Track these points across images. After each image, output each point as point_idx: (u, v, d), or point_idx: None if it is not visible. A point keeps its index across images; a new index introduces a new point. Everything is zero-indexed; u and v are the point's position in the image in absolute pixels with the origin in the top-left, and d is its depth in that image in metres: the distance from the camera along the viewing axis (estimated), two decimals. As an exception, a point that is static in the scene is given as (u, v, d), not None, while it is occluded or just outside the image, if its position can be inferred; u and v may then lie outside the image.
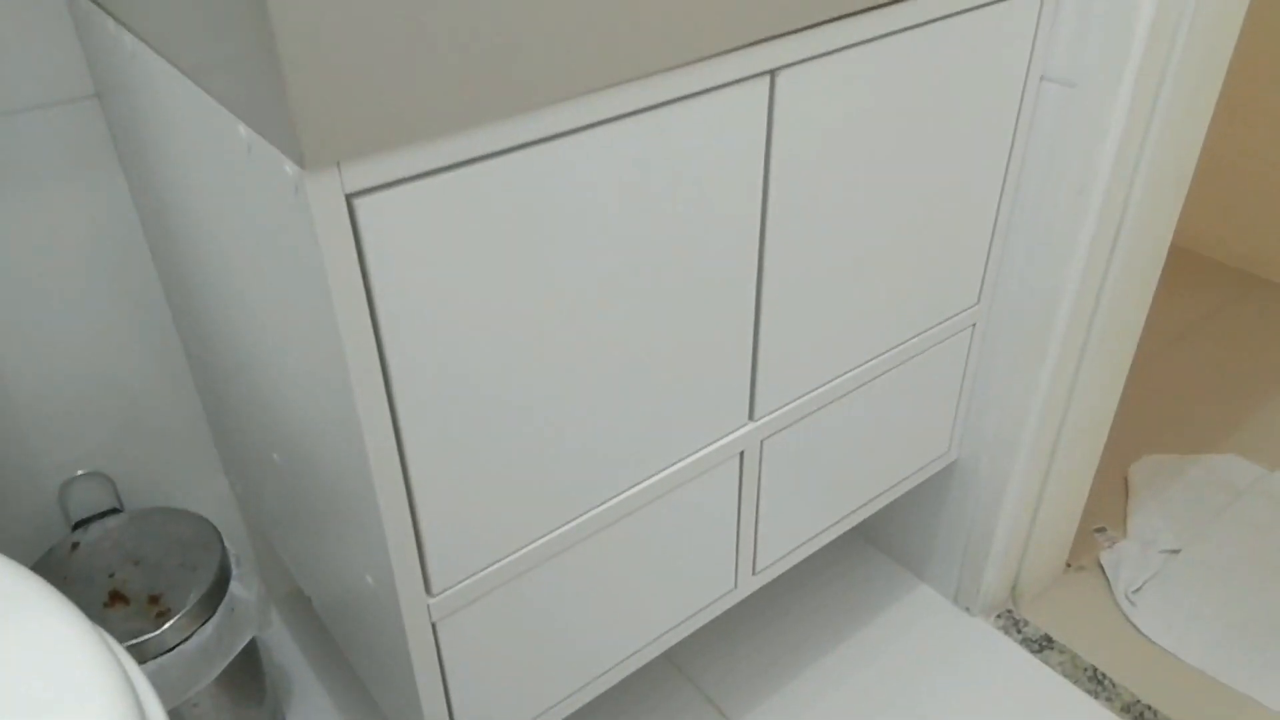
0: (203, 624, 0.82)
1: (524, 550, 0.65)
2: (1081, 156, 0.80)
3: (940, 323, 0.87)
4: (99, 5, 0.67)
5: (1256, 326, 1.61)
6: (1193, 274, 1.73)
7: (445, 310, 0.52)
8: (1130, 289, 0.92)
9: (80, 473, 0.91)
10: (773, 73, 0.61)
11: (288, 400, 0.65)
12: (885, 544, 1.19)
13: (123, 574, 0.84)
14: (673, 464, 0.71)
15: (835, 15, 0.61)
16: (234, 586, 0.86)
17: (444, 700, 0.67)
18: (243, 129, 0.49)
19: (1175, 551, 1.19)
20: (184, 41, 0.53)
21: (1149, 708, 1.01)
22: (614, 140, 0.54)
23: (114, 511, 0.92)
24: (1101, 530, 1.23)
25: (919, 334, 0.86)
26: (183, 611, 0.80)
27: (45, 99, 0.77)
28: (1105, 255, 0.86)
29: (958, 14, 0.69)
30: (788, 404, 0.77)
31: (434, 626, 0.63)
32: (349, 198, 0.46)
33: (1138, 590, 1.14)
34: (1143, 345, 1.54)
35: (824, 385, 0.80)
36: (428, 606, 0.62)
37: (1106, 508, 1.25)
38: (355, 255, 0.47)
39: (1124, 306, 0.93)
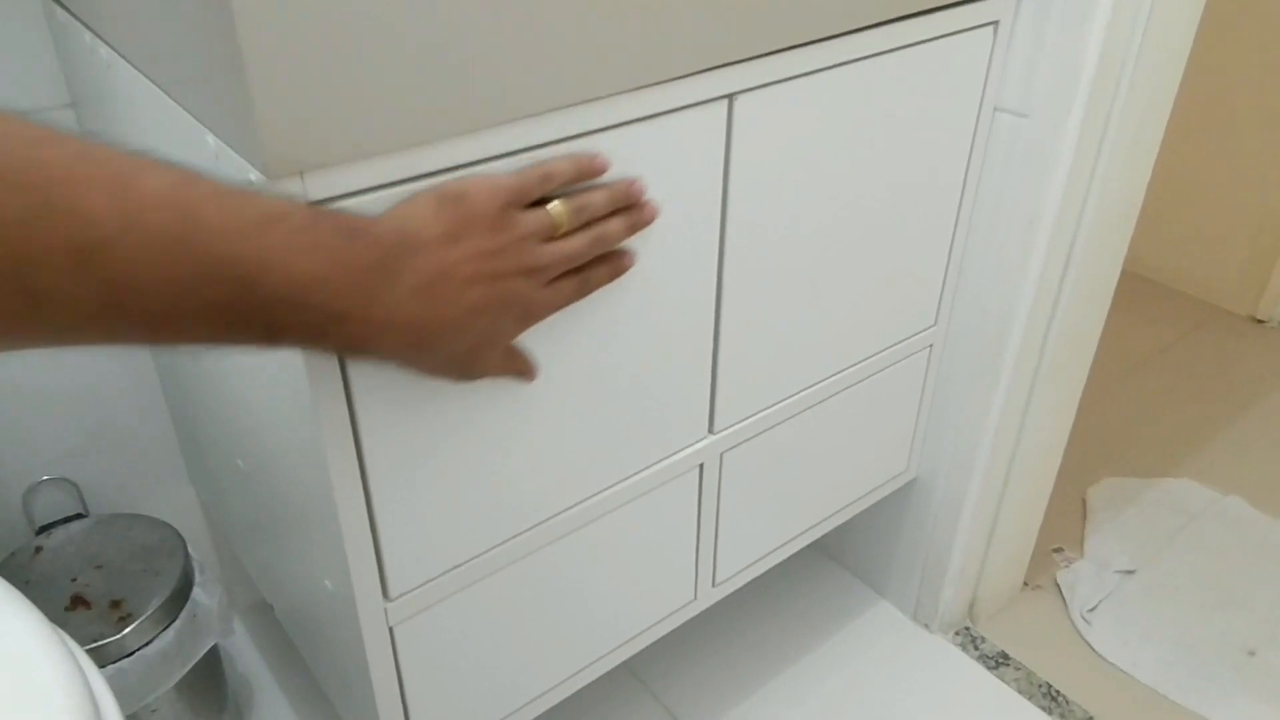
0: (164, 629, 0.82)
1: (482, 556, 0.66)
2: (1033, 185, 0.83)
3: (898, 343, 0.89)
4: (76, 17, 0.68)
5: (1215, 355, 1.65)
6: (1154, 303, 1.77)
7: (406, 319, 0.54)
8: (1082, 315, 0.94)
9: (45, 478, 0.91)
10: (731, 97, 0.63)
11: (250, 406, 0.66)
12: (846, 560, 1.20)
13: (85, 578, 0.84)
14: (632, 474, 0.73)
15: (794, 43, 0.64)
16: (196, 593, 0.86)
17: (401, 706, 0.68)
18: (211, 139, 0.51)
19: (1130, 572, 1.22)
20: (157, 55, 0.55)
21: (1101, 725, 1.03)
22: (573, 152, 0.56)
23: (78, 517, 0.92)
24: (1059, 550, 1.25)
25: (877, 353, 0.88)
26: (144, 616, 0.81)
27: (22, 107, 0.78)
28: (1056, 282, 0.89)
29: (913, 45, 0.72)
30: (747, 418, 0.79)
31: (391, 631, 0.64)
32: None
33: (1093, 609, 1.16)
34: (1104, 371, 1.57)
35: (784, 400, 0.81)
36: (385, 611, 0.63)
37: (1064, 528, 1.28)
38: (317, 263, 0.49)
39: (1076, 332, 0.95)
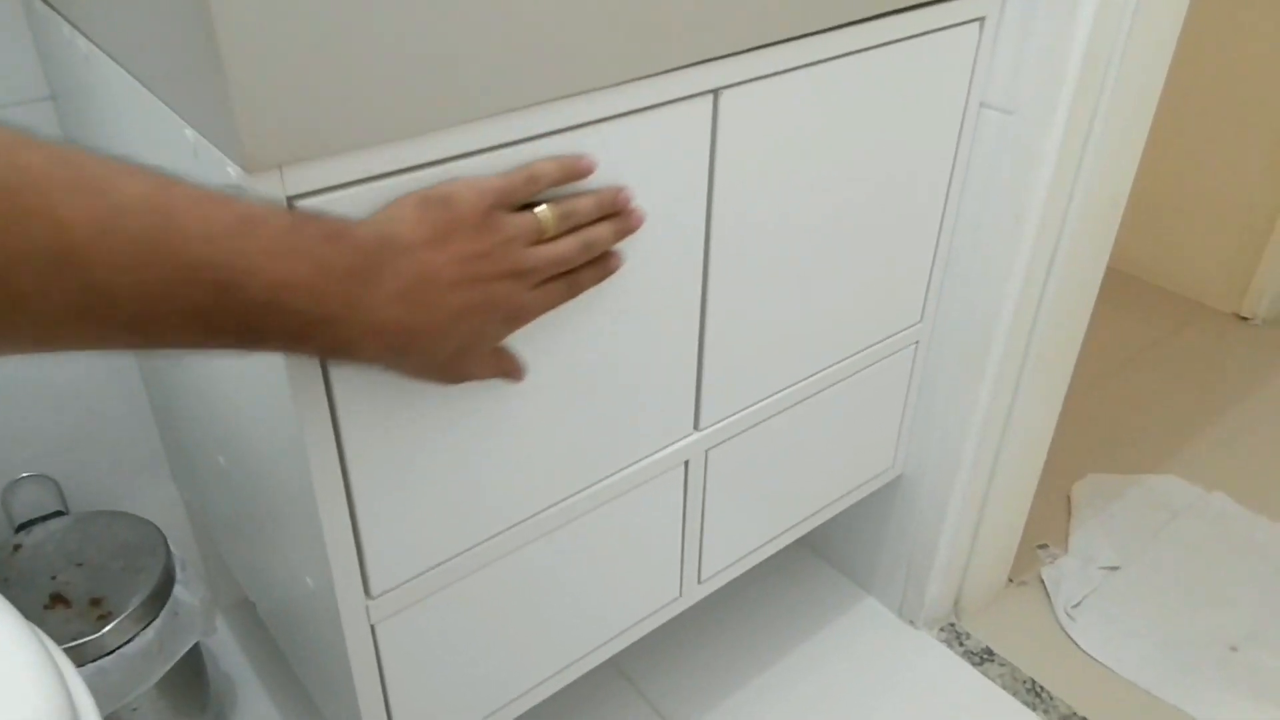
0: (144, 627, 0.81)
1: (465, 553, 0.66)
2: (1018, 182, 0.83)
3: (884, 339, 0.89)
4: (54, 9, 0.68)
5: (1200, 352, 1.66)
6: (1139, 301, 1.78)
7: (387, 314, 0.53)
8: (1067, 311, 0.95)
9: (24, 475, 0.91)
10: (716, 92, 0.63)
11: (232, 402, 0.65)
12: (832, 556, 1.21)
13: (65, 576, 0.84)
14: (617, 471, 0.72)
15: (780, 38, 0.64)
16: (178, 591, 0.85)
17: (383, 705, 0.68)
18: (189, 132, 0.50)
19: (1114, 568, 1.22)
20: (135, 48, 0.54)
21: (1084, 720, 1.04)
22: (558, 153, 0.56)
23: (58, 514, 0.91)
24: (1044, 546, 1.25)
25: (863, 350, 0.88)
26: (124, 614, 0.80)
27: (1, 100, 0.77)
28: (1041, 278, 0.89)
29: (900, 40, 0.72)
30: (733, 415, 0.79)
31: (373, 629, 0.64)
32: (290, 200, 0.47)
33: (1077, 605, 1.17)
34: (1089, 368, 1.58)
35: (769, 397, 0.81)
36: (366, 608, 0.62)
37: (1049, 525, 1.28)
38: (297, 258, 0.48)
39: (1061, 328, 0.96)
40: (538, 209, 0.52)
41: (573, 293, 0.56)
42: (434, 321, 0.48)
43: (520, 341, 0.60)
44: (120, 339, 0.39)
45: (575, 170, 0.55)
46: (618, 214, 0.58)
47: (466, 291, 0.48)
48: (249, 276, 0.40)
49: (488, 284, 0.49)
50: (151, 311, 0.38)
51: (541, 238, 0.52)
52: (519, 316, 0.53)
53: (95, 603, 0.81)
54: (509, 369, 0.59)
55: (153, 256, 0.37)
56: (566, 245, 0.54)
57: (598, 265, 0.58)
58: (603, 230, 0.57)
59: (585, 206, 0.55)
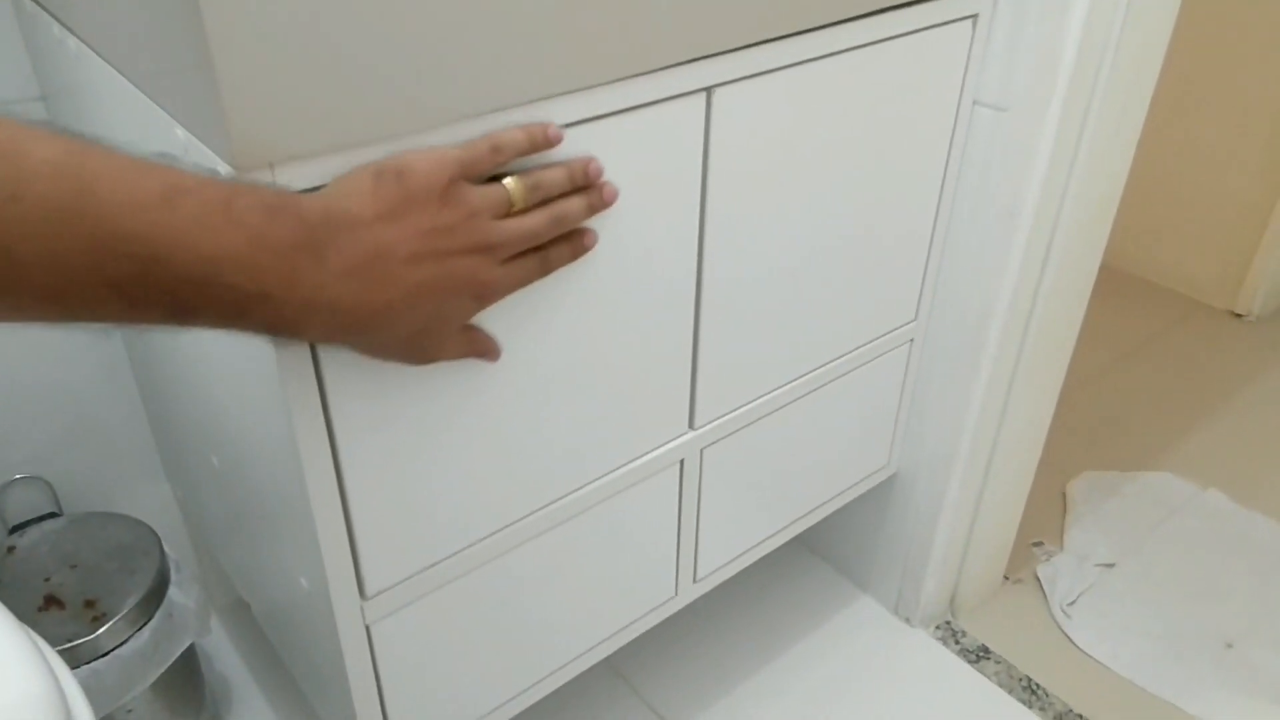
0: (139, 629, 0.81)
1: (461, 553, 0.66)
2: (1012, 179, 0.83)
3: (878, 337, 0.89)
4: (44, 8, 0.67)
5: (1195, 349, 1.66)
6: (1134, 298, 1.78)
7: (380, 314, 0.53)
8: (1061, 308, 0.95)
9: (18, 477, 0.90)
10: (710, 89, 0.62)
11: (224, 402, 0.65)
12: (828, 554, 1.21)
13: (59, 578, 0.83)
14: (612, 470, 0.72)
15: (773, 36, 0.63)
16: (172, 592, 0.85)
17: (379, 705, 0.68)
18: (180, 131, 0.50)
19: (1110, 565, 1.22)
20: (124, 47, 0.54)
21: (1080, 716, 1.04)
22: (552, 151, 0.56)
23: (52, 516, 0.91)
24: (1039, 544, 1.25)
25: (857, 348, 0.88)
26: (119, 616, 0.80)
27: (-10, 100, 0.77)
28: (1036, 275, 0.89)
29: (892, 38, 0.72)
30: (728, 414, 0.79)
31: (368, 630, 0.63)
32: (281, 200, 0.47)
33: (1072, 603, 1.17)
34: (1084, 365, 1.58)
35: (764, 396, 0.81)
36: (361, 609, 0.62)
37: (1045, 522, 1.28)
38: (289, 257, 0.48)
39: (1055, 325, 0.96)
40: (505, 180, 0.50)
41: (545, 270, 0.54)
42: (390, 299, 0.45)
43: (514, 342, 0.60)
44: (36, 310, 0.38)
45: (543, 139, 0.52)
46: (589, 187, 0.56)
47: (426, 267, 0.46)
48: (176, 249, 0.38)
49: (450, 259, 0.47)
50: (68, 282, 0.37)
51: (509, 211, 0.50)
52: (487, 293, 0.51)
53: (89, 604, 0.81)
54: (482, 348, 0.56)
55: (65, 225, 0.36)
56: (536, 219, 0.51)
57: (571, 241, 0.56)
58: (574, 204, 0.54)
59: (554, 178, 0.52)
